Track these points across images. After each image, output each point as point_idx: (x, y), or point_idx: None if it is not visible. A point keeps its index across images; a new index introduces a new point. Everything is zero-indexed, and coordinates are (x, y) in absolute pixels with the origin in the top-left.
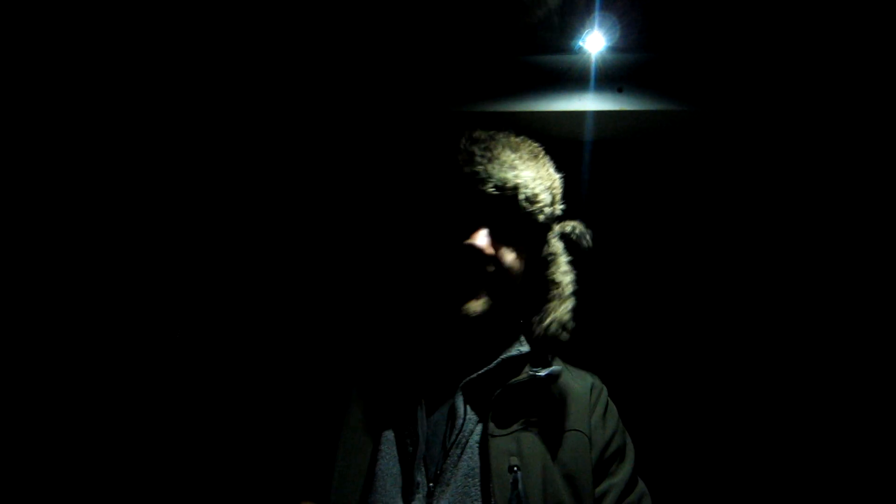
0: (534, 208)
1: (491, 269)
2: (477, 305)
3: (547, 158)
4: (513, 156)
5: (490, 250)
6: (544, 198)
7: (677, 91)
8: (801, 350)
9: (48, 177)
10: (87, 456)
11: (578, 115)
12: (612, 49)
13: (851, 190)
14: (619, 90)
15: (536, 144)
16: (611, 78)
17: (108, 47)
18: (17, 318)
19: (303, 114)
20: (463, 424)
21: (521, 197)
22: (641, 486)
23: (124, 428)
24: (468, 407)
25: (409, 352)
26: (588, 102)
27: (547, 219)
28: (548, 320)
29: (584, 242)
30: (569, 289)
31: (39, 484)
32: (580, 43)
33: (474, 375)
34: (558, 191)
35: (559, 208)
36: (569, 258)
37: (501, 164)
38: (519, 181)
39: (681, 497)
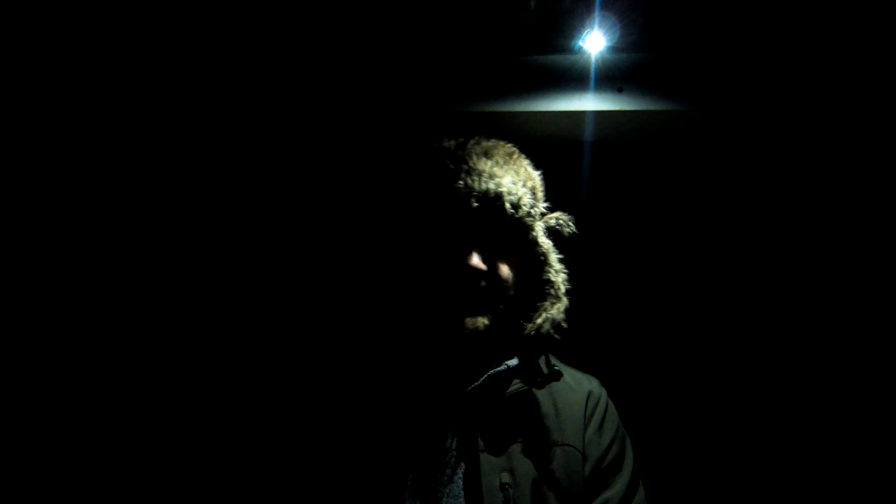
0: (520, 213)
1: (486, 284)
2: (478, 321)
3: (522, 157)
4: (489, 163)
5: (483, 266)
6: (527, 200)
7: (677, 91)
8: (800, 350)
9: (48, 177)
10: (86, 455)
11: (578, 115)
12: (612, 49)
13: (851, 189)
14: (619, 90)
15: (510, 145)
16: (611, 78)
17: (108, 47)
18: (17, 317)
19: (302, 115)
20: (453, 443)
21: (507, 205)
22: (640, 495)
23: (124, 428)
24: (459, 424)
25: (402, 370)
26: (588, 102)
27: (532, 218)
28: (540, 319)
29: (567, 230)
30: (563, 288)
31: (39, 484)
32: (580, 43)
33: (463, 393)
34: (539, 188)
35: (542, 206)
36: (559, 256)
37: (480, 175)
38: (501, 189)
39: (679, 498)
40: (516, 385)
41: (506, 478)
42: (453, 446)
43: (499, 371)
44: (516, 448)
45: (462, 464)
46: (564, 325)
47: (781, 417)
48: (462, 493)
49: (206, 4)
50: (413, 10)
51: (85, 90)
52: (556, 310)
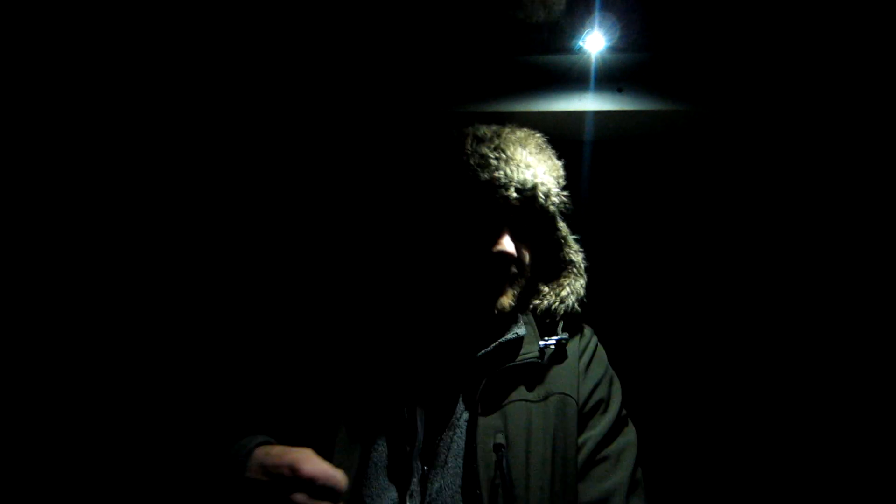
0: (548, 202)
1: (515, 268)
2: (506, 301)
3: (550, 148)
4: (524, 153)
5: (515, 252)
6: (555, 189)
7: (677, 91)
8: (800, 349)
9: (48, 177)
10: (85, 455)
11: (578, 115)
12: (612, 49)
13: (851, 189)
14: (619, 90)
15: (539, 135)
16: (611, 78)
17: (108, 47)
18: (16, 318)
19: (302, 115)
20: (461, 406)
21: (540, 195)
22: (627, 436)
23: (120, 427)
24: (465, 391)
25: (407, 344)
26: (588, 102)
27: (555, 206)
28: (564, 292)
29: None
30: (583, 266)
31: (37, 484)
32: (580, 43)
33: (472, 360)
34: (562, 179)
35: (564, 195)
36: (576, 237)
37: (517, 165)
38: (538, 180)
39: (682, 483)
40: (525, 355)
41: (500, 438)
42: (462, 410)
43: (508, 339)
44: (511, 407)
45: (460, 427)
46: (585, 299)
47: (780, 415)
48: (460, 455)
49: (209, 4)
50: (413, 11)
51: (85, 90)
52: (578, 284)
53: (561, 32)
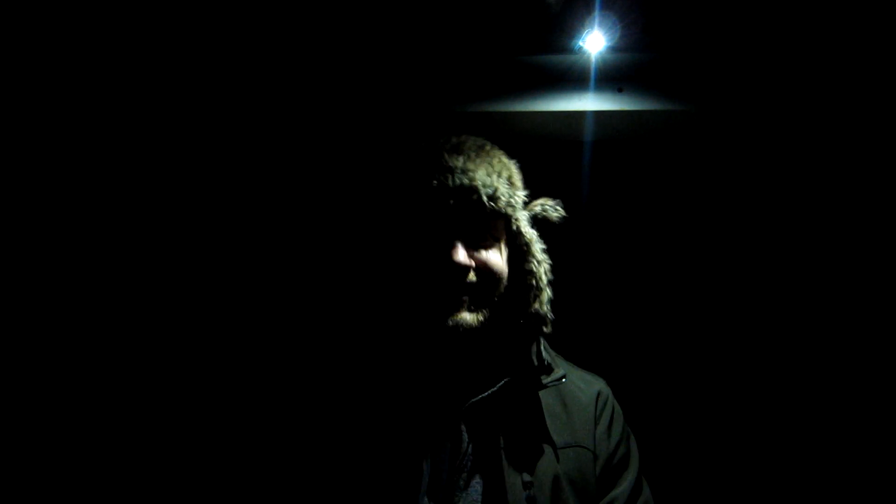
0: (498, 205)
1: (473, 277)
2: (468, 316)
3: (495, 148)
4: (461, 158)
5: (468, 261)
6: (504, 190)
7: (677, 91)
8: (800, 349)
9: (48, 177)
10: (86, 455)
11: (578, 115)
12: (612, 49)
13: (850, 189)
14: (619, 90)
15: (480, 138)
16: (611, 78)
17: (108, 47)
18: (17, 318)
19: (302, 114)
20: (468, 447)
21: (483, 197)
22: (646, 492)
23: (124, 429)
24: (472, 428)
25: (405, 378)
26: (588, 102)
27: (513, 208)
28: (526, 314)
29: (555, 214)
30: (545, 279)
31: (39, 484)
32: (580, 43)
33: (476, 399)
34: (517, 177)
35: (521, 195)
36: (543, 246)
37: (453, 172)
38: (475, 183)
39: (680, 496)
40: (528, 387)
41: (527, 478)
42: (469, 450)
43: (512, 379)
44: (532, 448)
45: (478, 467)
46: (550, 315)
47: (778, 414)
48: (480, 497)
49: (205, 4)
50: (413, 10)
51: (85, 90)
52: (538, 303)
53: (561, 32)
